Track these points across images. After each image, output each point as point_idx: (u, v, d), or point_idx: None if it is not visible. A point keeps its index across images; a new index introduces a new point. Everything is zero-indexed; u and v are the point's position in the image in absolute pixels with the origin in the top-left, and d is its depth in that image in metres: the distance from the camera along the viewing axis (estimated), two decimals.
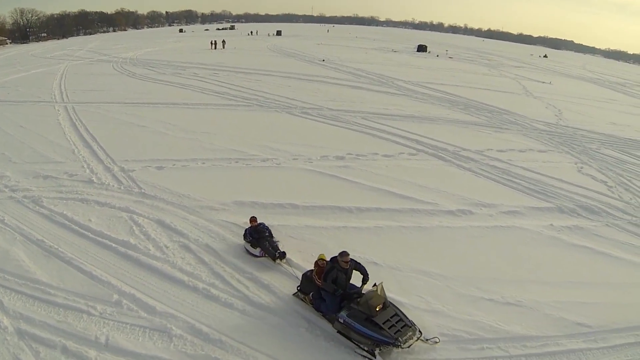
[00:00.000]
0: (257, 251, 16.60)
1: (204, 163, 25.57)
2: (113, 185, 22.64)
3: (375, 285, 13.14)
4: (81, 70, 59.93)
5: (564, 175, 27.07)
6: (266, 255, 16.42)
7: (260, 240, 16.75)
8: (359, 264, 13.80)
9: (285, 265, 16.05)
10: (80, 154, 26.71)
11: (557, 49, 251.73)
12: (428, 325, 13.53)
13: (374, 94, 46.76)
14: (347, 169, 25.12)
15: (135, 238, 17.82)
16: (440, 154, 28.56)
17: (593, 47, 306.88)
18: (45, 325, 13.18)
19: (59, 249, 16.97)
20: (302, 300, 14.41)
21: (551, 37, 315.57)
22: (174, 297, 14.61)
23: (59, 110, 36.93)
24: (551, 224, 20.97)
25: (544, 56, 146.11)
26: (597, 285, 16.81)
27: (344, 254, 13.30)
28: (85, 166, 24.91)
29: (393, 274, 15.95)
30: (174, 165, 25.18)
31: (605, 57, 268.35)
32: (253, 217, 17.97)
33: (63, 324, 13.26)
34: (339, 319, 12.88)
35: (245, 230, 17.22)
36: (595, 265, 18.21)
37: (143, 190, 22.04)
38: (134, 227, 18.65)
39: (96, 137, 29.56)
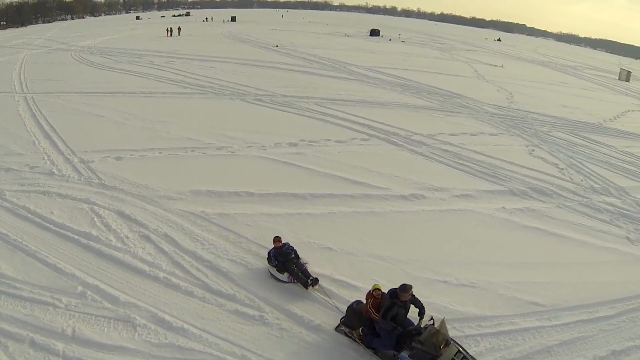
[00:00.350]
0: (284, 277, 15.19)
1: (160, 152, 25.26)
2: (73, 177, 22.22)
3: (432, 319, 12.50)
4: (40, 60, 58.34)
5: (515, 158, 27.51)
6: (295, 281, 15.04)
7: (287, 263, 15.25)
8: (414, 296, 12.78)
9: (318, 294, 14.91)
10: (41, 146, 26.09)
11: (510, 32, 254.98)
12: None
13: (327, 80, 46.67)
14: (300, 155, 25.07)
15: (96, 229, 17.59)
16: (392, 139, 28.67)
17: (545, 31, 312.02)
18: (12, 320, 12.97)
19: (23, 242, 16.65)
20: (348, 335, 13.18)
21: (504, 20, 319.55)
22: (136, 287, 14.52)
23: (18, 101, 35.91)
24: (503, 207, 21.32)
25: (498, 40, 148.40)
26: (549, 265, 17.21)
27: (406, 287, 12.27)
28: (46, 158, 24.39)
29: (348, 258, 16.06)
30: (132, 155, 24.83)
31: (557, 40, 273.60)
32: (277, 237, 16.16)
33: (30, 317, 13.07)
34: None
35: (269, 253, 15.60)
36: (547, 246, 18.63)
37: (103, 181, 21.70)
38: (95, 219, 18.40)
39: (56, 128, 28.89)
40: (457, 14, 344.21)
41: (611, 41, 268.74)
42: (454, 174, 24.44)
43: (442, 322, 12.09)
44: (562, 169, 27.17)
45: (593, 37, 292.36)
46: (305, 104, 35.54)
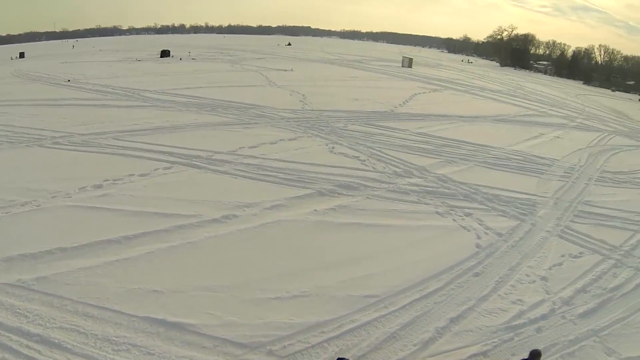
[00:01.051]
0: None
1: None
2: None
3: None
4: None
5: (317, 159, 28.33)
6: None
7: None
8: None
9: None
10: None
11: (296, 35, 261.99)
12: (225, 338, 13.34)
13: (122, 110, 44.53)
14: (107, 197, 23.47)
15: None
16: (194, 162, 27.84)
17: (329, 30, 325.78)
18: None
19: None
20: None
21: (289, 25, 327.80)
22: None
23: None
24: (315, 210, 21.71)
25: (288, 44, 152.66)
26: (373, 256, 17.94)
27: (539, 352, 11.99)
28: None
29: (176, 297, 15.25)
30: None
31: (341, 38, 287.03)
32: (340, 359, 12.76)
33: None
34: None
35: None
36: (366, 238, 19.41)
37: None
38: None
39: None
40: (245, 24, 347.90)
41: (391, 33, 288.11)
42: (262, 187, 24.36)
43: None
44: (364, 160, 28.54)
45: (375, 31, 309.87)
46: (104, 140, 33.79)
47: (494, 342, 13.99)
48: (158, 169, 26.55)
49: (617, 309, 16.61)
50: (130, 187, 24.20)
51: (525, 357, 12.03)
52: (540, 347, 13.77)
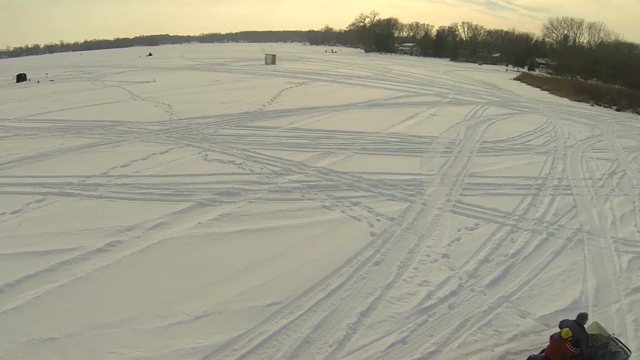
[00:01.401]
0: None
1: None
2: None
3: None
4: None
5: (192, 169, 27.60)
6: None
7: None
8: None
9: None
10: None
11: (156, 45, 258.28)
12: None
13: None
14: None
15: None
16: (67, 190, 25.74)
17: (188, 36, 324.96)
18: None
19: None
20: None
21: (147, 35, 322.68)
22: None
23: None
24: (198, 222, 21.01)
25: (149, 54, 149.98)
26: (267, 261, 17.71)
27: (585, 315, 12.58)
28: None
29: (74, 341, 13.96)
30: None
31: (200, 42, 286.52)
32: None
33: None
34: None
35: None
36: (256, 244, 19.10)
37: None
38: None
39: None
40: (101, 38, 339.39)
41: (252, 32, 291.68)
42: (140, 206, 23.12)
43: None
44: (240, 163, 28.27)
45: (234, 32, 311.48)
46: None
47: (410, 327, 14.27)
48: (30, 202, 24.36)
49: (521, 272, 17.71)
50: (3, 228, 22.12)
51: (573, 319, 12.52)
52: (455, 322, 14.45)
